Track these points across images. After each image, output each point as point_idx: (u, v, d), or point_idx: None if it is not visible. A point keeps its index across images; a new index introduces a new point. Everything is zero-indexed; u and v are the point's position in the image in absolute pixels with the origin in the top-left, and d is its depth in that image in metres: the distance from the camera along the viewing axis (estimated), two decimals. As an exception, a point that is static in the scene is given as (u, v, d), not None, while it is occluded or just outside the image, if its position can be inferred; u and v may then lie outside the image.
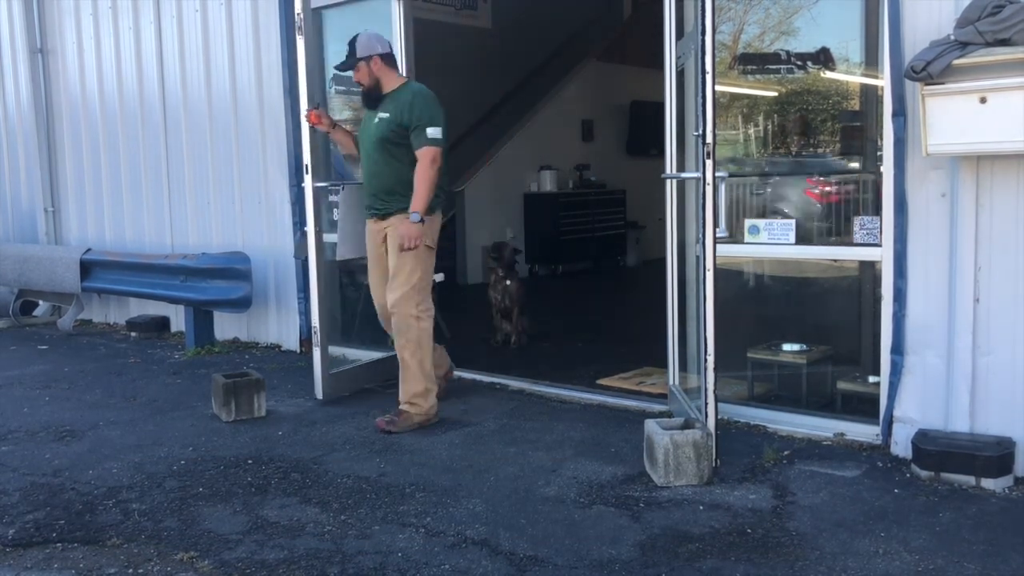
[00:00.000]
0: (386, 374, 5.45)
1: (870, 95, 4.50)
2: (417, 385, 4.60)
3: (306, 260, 5.98)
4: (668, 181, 4.56)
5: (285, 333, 6.64)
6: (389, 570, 2.97)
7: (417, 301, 4.64)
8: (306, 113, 4.90)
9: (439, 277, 7.06)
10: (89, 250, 7.60)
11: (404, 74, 5.61)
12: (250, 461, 4.11)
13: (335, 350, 6.32)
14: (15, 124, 8.60)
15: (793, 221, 4.36)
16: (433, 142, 4.51)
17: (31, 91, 8.27)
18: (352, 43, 4.68)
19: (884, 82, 3.82)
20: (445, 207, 4.93)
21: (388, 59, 4.71)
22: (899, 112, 3.75)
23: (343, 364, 5.82)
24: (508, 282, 6.59)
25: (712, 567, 2.93)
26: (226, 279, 6.58)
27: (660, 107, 4.56)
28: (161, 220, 7.43)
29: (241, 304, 6.50)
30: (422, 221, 4.50)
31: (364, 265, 6.57)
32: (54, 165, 8.33)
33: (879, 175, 3.99)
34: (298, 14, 4.97)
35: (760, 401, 4.65)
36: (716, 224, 3.72)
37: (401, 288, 4.62)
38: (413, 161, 4.53)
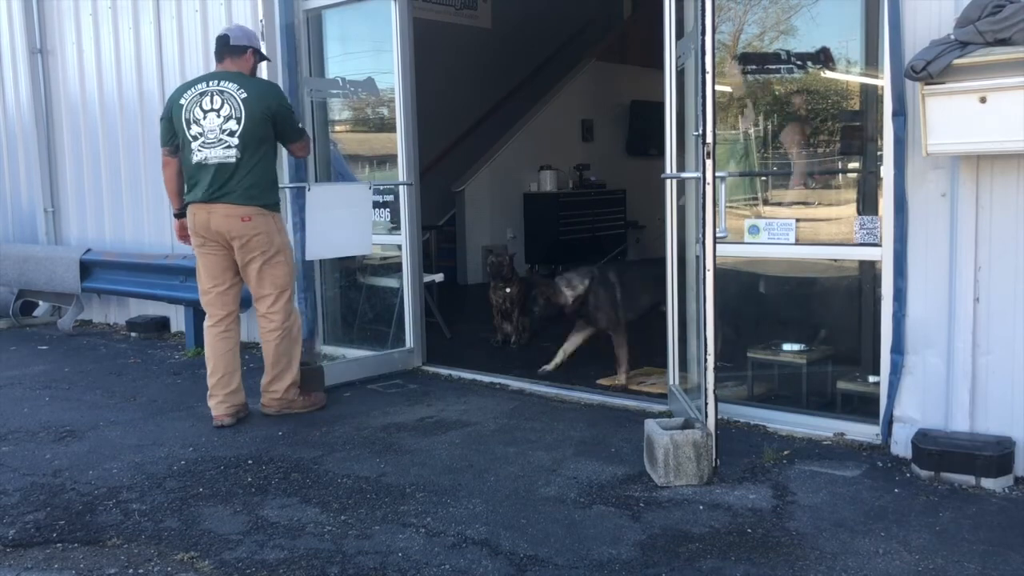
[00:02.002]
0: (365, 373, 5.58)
1: (870, 95, 4.50)
2: None
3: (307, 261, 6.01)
4: (668, 181, 4.56)
5: (285, 333, 6.62)
6: (389, 570, 2.97)
7: None
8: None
9: (439, 277, 7.08)
10: (89, 250, 7.60)
11: (397, 74, 5.69)
12: (250, 461, 4.11)
13: (335, 350, 6.34)
14: (15, 125, 8.59)
15: (793, 221, 4.36)
16: None
17: (31, 92, 8.26)
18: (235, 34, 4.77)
19: (884, 81, 3.82)
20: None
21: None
22: (899, 112, 3.75)
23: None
24: (508, 289, 6.61)
25: (712, 567, 2.94)
26: (226, 279, 6.57)
27: (660, 107, 4.56)
28: (161, 220, 7.41)
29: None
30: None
31: (365, 265, 6.61)
32: (54, 165, 8.33)
33: (879, 175, 3.99)
34: (260, 20, 5.00)
35: (760, 401, 4.65)
36: (716, 224, 3.72)
37: None
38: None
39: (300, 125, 5.03)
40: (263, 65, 5.06)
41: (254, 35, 4.88)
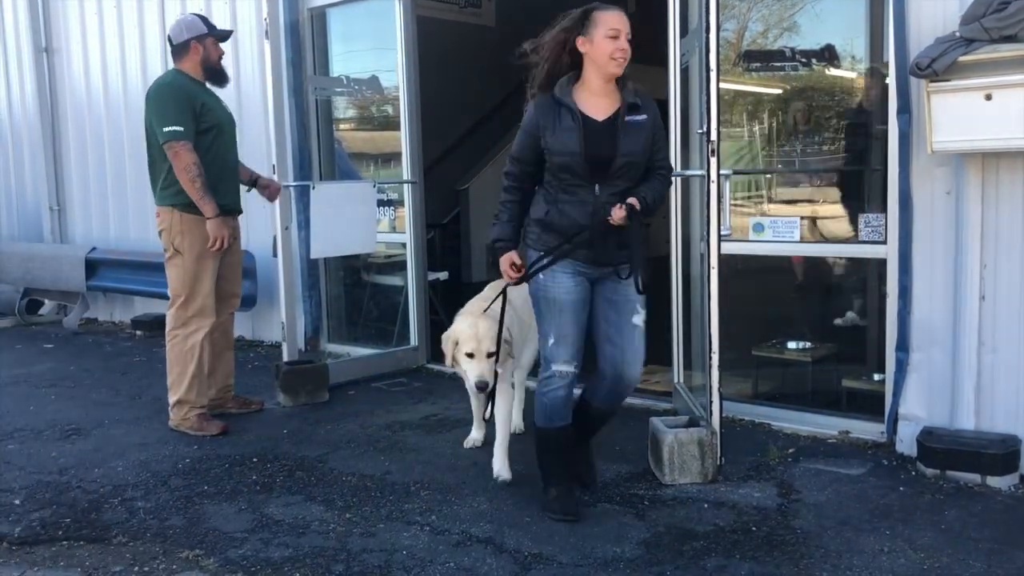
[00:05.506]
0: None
1: (875, 92, 4.49)
2: None
3: (309, 259, 6.01)
4: (673, 179, 4.54)
5: (290, 331, 6.63)
6: (394, 568, 2.97)
7: None
8: None
9: (443, 276, 7.08)
10: (94, 249, 7.61)
11: (401, 72, 5.63)
12: (255, 459, 4.11)
13: (340, 348, 6.34)
14: (20, 123, 8.61)
15: (798, 219, 4.36)
16: None
17: (36, 90, 8.28)
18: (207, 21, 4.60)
19: (889, 79, 3.81)
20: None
21: None
22: (904, 109, 3.74)
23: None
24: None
25: (717, 565, 2.93)
26: (231, 278, 6.58)
27: (664, 105, 4.55)
28: (166, 219, 7.43)
29: (246, 303, 6.50)
30: None
31: (370, 263, 6.61)
32: (59, 164, 8.34)
33: (884, 172, 3.98)
34: (265, 19, 5.00)
35: (765, 399, 4.64)
36: (720, 221, 3.71)
37: None
38: None
39: (169, 128, 4.27)
40: (267, 52, 5.04)
41: (194, 22, 4.53)
